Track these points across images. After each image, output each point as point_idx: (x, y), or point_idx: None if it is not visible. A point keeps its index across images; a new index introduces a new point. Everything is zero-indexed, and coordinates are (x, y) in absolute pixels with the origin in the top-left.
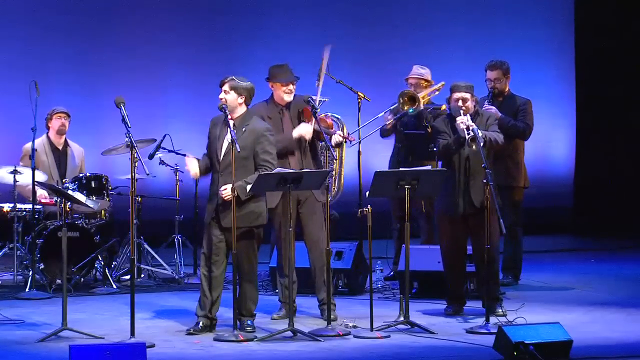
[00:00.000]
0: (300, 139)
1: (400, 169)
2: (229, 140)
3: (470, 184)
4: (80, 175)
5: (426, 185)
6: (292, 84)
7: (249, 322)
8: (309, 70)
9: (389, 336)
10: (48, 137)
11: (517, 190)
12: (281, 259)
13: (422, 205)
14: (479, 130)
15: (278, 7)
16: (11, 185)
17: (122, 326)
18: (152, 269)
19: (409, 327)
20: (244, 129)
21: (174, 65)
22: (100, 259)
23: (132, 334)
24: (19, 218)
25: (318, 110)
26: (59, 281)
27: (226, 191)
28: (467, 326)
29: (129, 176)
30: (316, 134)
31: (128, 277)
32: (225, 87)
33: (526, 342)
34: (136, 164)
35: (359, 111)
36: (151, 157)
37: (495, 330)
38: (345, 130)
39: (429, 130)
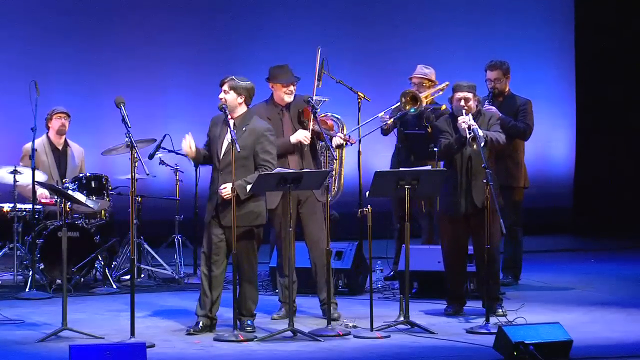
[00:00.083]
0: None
1: (401, 169)
2: (229, 140)
3: (472, 183)
4: (80, 175)
5: (426, 185)
6: (293, 85)
7: (249, 322)
8: (309, 71)
9: (389, 336)
10: (48, 137)
11: (517, 190)
12: (281, 259)
13: (422, 205)
14: (479, 130)
15: (278, 7)
16: (11, 185)
17: (122, 326)
18: (152, 269)
19: (409, 327)
20: (244, 129)
21: (174, 65)
22: (100, 259)
23: (132, 334)
24: (19, 218)
25: (318, 110)
26: (59, 281)
27: (226, 190)
28: (467, 326)
29: (129, 176)
30: (316, 134)
31: (128, 277)
32: (225, 87)
33: (526, 342)
34: (136, 164)
35: (359, 111)
36: (151, 157)
37: (495, 330)
38: (345, 131)
39: (429, 130)
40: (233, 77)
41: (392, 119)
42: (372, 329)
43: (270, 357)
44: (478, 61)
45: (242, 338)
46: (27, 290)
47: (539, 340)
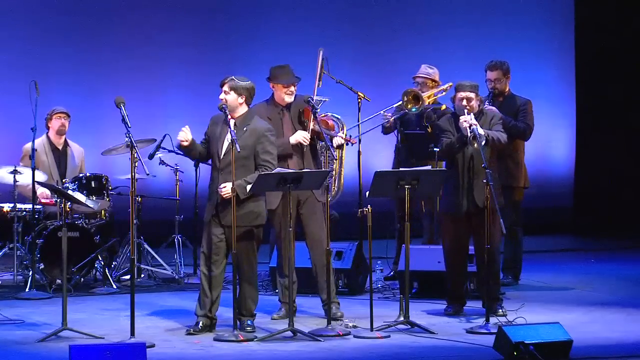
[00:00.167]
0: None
1: (401, 169)
2: (230, 140)
3: (473, 183)
4: (80, 175)
5: (426, 185)
6: (294, 86)
7: (249, 322)
8: (310, 71)
9: (389, 336)
10: (48, 137)
11: (518, 190)
12: (281, 259)
13: (422, 205)
14: (480, 129)
15: (278, 8)
16: (11, 185)
17: (122, 326)
18: (152, 269)
19: (409, 327)
20: (245, 129)
21: (174, 65)
22: (100, 259)
23: (132, 334)
24: (19, 218)
25: (318, 110)
26: (59, 281)
27: (225, 189)
28: (467, 326)
29: (129, 176)
30: (316, 134)
31: (128, 277)
32: (225, 87)
33: (526, 342)
34: (136, 164)
35: (359, 111)
36: (151, 157)
37: (495, 330)
38: (345, 131)
39: (429, 130)
40: (233, 77)
41: (392, 118)
42: (372, 329)
43: (270, 357)
44: (478, 61)
45: (242, 338)
46: (27, 290)
47: (539, 340)
